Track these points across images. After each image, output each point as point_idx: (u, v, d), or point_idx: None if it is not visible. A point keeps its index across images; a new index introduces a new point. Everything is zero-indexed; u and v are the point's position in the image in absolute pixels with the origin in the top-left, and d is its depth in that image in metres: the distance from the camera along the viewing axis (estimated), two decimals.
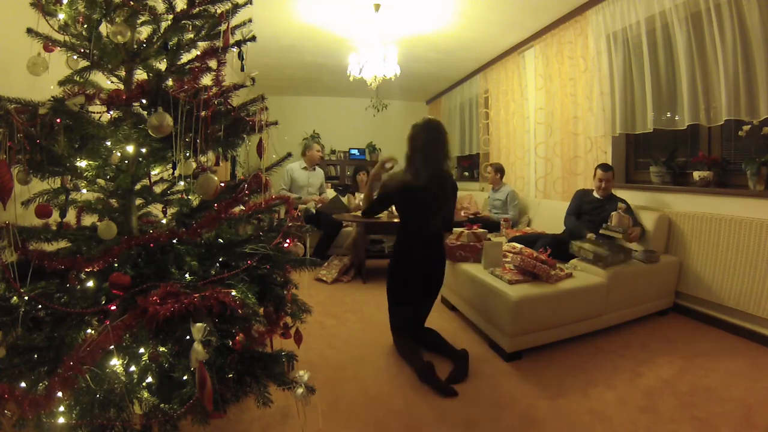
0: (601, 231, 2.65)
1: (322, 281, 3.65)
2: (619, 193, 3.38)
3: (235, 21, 1.28)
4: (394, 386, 1.88)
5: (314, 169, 4.54)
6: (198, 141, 1.10)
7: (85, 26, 1.19)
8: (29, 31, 1.15)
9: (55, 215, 1.22)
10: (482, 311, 2.39)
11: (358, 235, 3.98)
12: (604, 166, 3.10)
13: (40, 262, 1.03)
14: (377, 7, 3.58)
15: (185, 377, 1.10)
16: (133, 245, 1.11)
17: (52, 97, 0.99)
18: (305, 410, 1.40)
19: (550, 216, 3.77)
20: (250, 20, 1.35)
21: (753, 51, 2.29)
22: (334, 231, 4.18)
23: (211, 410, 0.99)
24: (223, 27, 1.24)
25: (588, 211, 3.11)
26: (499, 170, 4.43)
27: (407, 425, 1.60)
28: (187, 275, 1.15)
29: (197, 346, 0.91)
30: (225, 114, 1.20)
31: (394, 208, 2.58)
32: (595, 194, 3.14)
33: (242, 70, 1.30)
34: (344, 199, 4.37)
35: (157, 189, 1.45)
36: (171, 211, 1.45)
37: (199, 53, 1.24)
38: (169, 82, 1.22)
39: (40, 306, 1.04)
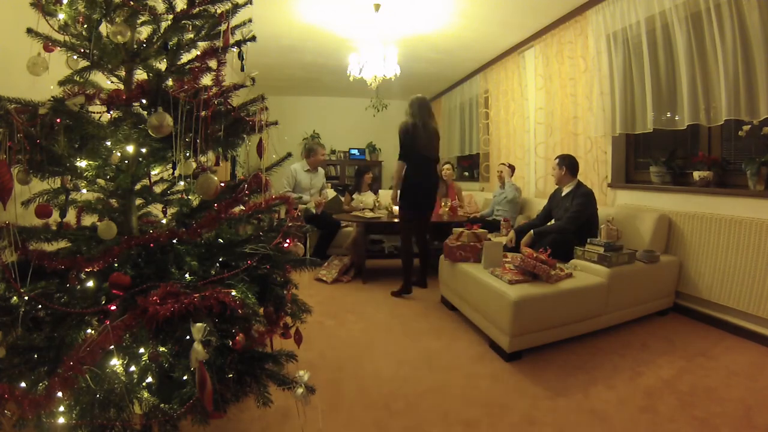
0: (587, 246, 2.62)
1: (322, 281, 3.65)
2: (620, 193, 3.40)
3: (235, 21, 1.28)
4: (394, 386, 1.88)
5: (316, 170, 4.56)
6: (198, 141, 1.10)
7: (85, 26, 1.19)
8: (29, 31, 1.15)
9: (55, 215, 1.22)
10: (482, 311, 2.39)
11: (358, 235, 3.98)
12: None
13: (40, 262, 1.03)
14: (377, 7, 3.58)
15: (185, 377, 1.10)
16: (133, 245, 1.11)
17: (52, 97, 0.99)
18: (305, 410, 1.40)
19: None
20: (250, 20, 1.35)
21: (753, 51, 2.28)
22: (333, 230, 4.18)
23: (211, 410, 0.99)
24: (223, 27, 1.24)
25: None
26: (511, 168, 4.44)
27: (407, 425, 1.60)
28: (187, 275, 1.15)
29: (197, 346, 0.91)
30: (225, 114, 1.20)
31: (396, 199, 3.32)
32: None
33: (242, 70, 1.30)
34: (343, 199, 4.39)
35: (157, 189, 1.45)
36: (171, 211, 1.45)
37: (199, 53, 1.24)
38: (169, 82, 1.22)
39: (40, 306, 1.04)
